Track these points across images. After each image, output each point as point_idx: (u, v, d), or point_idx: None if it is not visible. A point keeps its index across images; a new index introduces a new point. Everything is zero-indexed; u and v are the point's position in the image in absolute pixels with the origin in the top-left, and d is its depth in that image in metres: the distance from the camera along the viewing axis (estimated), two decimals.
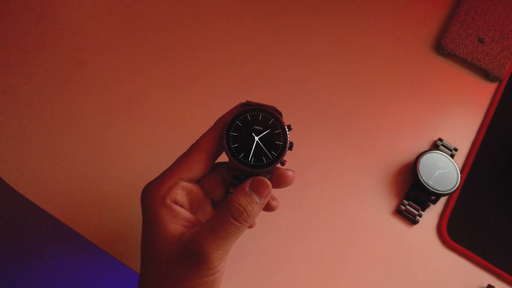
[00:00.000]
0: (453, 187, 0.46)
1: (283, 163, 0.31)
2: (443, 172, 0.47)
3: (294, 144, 0.32)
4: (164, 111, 0.51)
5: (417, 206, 0.47)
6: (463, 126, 0.53)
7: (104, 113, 0.50)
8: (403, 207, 0.47)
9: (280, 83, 0.54)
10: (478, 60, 0.55)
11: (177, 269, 0.29)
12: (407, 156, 0.50)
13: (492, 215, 0.47)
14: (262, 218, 0.44)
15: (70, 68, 0.52)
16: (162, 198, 0.30)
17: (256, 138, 0.31)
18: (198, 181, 0.33)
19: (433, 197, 0.47)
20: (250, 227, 0.32)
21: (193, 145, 0.32)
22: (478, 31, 0.56)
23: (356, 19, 0.59)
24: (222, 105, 0.51)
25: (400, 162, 0.50)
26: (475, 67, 0.56)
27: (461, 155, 0.51)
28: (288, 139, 0.32)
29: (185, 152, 0.32)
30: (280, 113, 0.32)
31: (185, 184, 0.31)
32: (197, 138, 0.33)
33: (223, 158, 0.32)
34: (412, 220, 0.47)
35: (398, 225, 0.47)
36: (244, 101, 0.33)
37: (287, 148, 0.31)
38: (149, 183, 0.32)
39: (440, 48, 0.56)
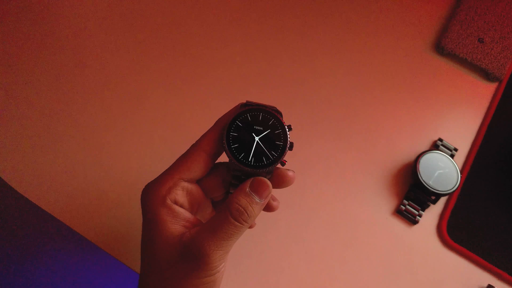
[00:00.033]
0: (453, 187, 0.46)
1: (283, 163, 0.31)
2: (443, 172, 0.47)
3: (294, 144, 0.32)
4: (164, 111, 0.51)
5: (417, 206, 0.47)
6: (463, 126, 0.53)
7: (104, 113, 0.50)
8: (403, 207, 0.47)
9: (280, 83, 0.54)
10: (478, 60, 0.55)
11: (177, 270, 0.29)
12: (407, 156, 0.50)
13: (492, 215, 0.47)
14: (262, 218, 0.44)
15: (70, 68, 0.52)
16: (162, 198, 0.30)
17: (257, 138, 0.31)
18: (198, 182, 0.33)
19: (433, 197, 0.47)
20: (250, 227, 0.32)
21: (193, 145, 0.32)
22: (478, 31, 0.56)
23: (356, 19, 0.59)
24: (222, 105, 0.51)
25: (400, 162, 0.50)
26: (475, 67, 0.56)
27: (461, 155, 0.51)
28: (289, 139, 0.32)
29: (185, 152, 0.32)
30: (280, 113, 0.32)
31: (185, 184, 0.31)
32: (197, 138, 0.32)
33: (224, 158, 0.32)
34: (412, 220, 0.47)
35: (398, 225, 0.47)
36: (245, 101, 0.32)
37: (287, 148, 0.31)
38: (149, 183, 0.31)
39: (440, 48, 0.56)
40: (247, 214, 0.29)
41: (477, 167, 0.50)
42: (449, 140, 0.51)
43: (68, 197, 0.46)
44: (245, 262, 0.44)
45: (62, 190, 0.46)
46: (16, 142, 0.48)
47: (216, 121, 0.33)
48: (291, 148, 0.32)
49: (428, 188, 0.46)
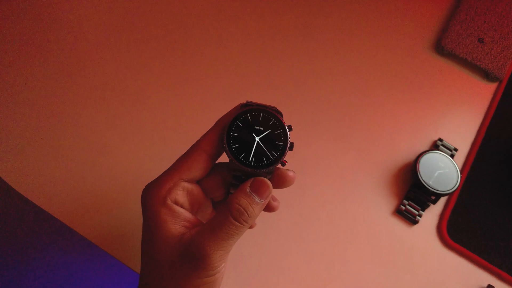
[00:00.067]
0: (453, 187, 0.46)
1: (283, 164, 0.31)
2: (443, 172, 0.47)
3: (294, 144, 0.32)
4: (164, 111, 0.51)
5: (417, 206, 0.47)
6: (463, 126, 0.53)
7: (104, 113, 0.50)
8: (403, 207, 0.47)
9: (280, 83, 0.54)
10: (478, 60, 0.55)
11: (177, 270, 0.29)
12: (407, 156, 0.50)
13: (492, 215, 0.48)
14: (262, 218, 0.44)
15: (70, 68, 0.52)
16: (163, 199, 0.30)
17: (257, 139, 0.31)
18: (198, 182, 0.33)
19: (433, 197, 0.47)
20: (250, 227, 0.32)
21: (193, 145, 0.32)
22: (478, 31, 0.56)
23: (356, 19, 0.59)
24: (222, 105, 0.51)
25: (400, 162, 0.50)
26: (475, 67, 0.56)
27: (461, 155, 0.51)
28: (289, 139, 0.32)
29: (186, 152, 0.32)
30: (280, 114, 0.32)
31: (186, 184, 0.31)
32: (197, 138, 0.32)
33: (224, 158, 0.32)
34: (412, 220, 0.47)
35: (398, 225, 0.47)
36: (245, 102, 0.32)
37: (287, 149, 0.31)
38: (149, 184, 0.31)
39: (440, 48, 0.56)
40: (248, 214, 0.29)
41: (477, 167, 0.50)
42: (449, 140, 0.51)
43: (68, 197, 0.46)
44: (245, 262, 0.44)
45: (62, 190, 0.46)
46: (16, 142, 0.48)
47: (217, 121, 0.33)
48: (291, 148, 0.32)
49: (428, 188, 0.46)
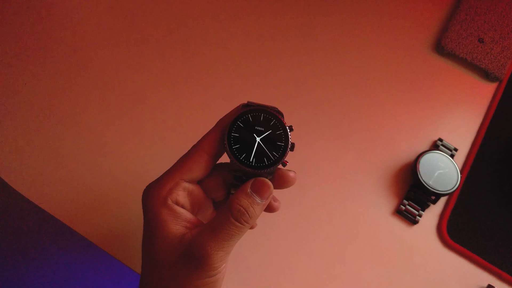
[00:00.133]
0: (453, 187, 0.46)
1: (284, 164, 0.31)
2: (443, 172, 0.47)
3: (295, 144, 0.32)
4: (164, 111, 0.51)
5: (417, 206, 0.47)
6: (463, 126, 0.53)
7: (104, 113, 0.50)
8: (403, 207, 0.47)
9: (280, 83, 0.54)
10: (478, 60, 0.55)
11: (178, 270, 0.29)
12: (407, 156, 0.50)
13: (492, 215, 0.48)
14: (262, 218, 0.44)
15: (70, 68, 0.52)
16: (163, 199, 0.30)
17: (258, 139, 0.31)
18: (199, 182, 0.33)
19: (433, 197, 0.47)
20: (251, 228, 0.32)
21: (194, 146, 0.32)
22: (478, 31, 0.56)
23: (356, 19, 0.59)
24: (222, 105, 0.51)
25: (400, 162, 0.50)
26: (475, 67, 0.56)
27: (461, 155, 0.51)
28: (290, 140, 0.32)
29: (186, 153, 0.32)
30: (281, 114, 0.32)
31: (186, 185, 0.31)
32: (198, 139, 0.32)
33: (225, 159, 0.32)
34: (412, 220, 0.47)
35: (398, 225, 0.47)
36: (246, 102, 0.32)
37: (288, 149, 0.31)
38: (150, 184, 0.31)
39: (440, 48, 0.56)
40: (248, 215, 0.29)
41: (477, 167, 0.50)
42: (449, 140, 0.51)
43: (68, 197, 0.46)
44: (246, 262, 0.44)
45: (62, 190, 0.46)
46: (16, 142, 0.48)
47: (217, 122, 0.33)
48: (292, 148, 0.32)
49: (428, 188, 0.46)
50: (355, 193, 0.48)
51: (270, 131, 0.31)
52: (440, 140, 0.51)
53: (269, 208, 0.34)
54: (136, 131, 0.49)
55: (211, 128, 0.33)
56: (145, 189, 0.31)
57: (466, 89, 0.55)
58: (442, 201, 0.48)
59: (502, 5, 0.58)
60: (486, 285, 0.44)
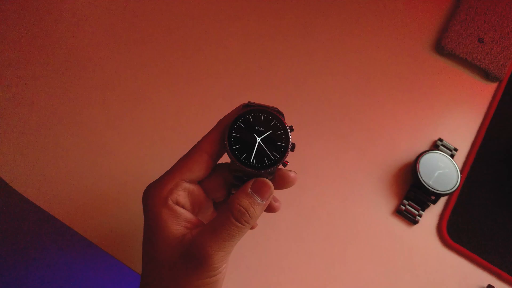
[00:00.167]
0: (453, 187, 0.46)
1: (285, 164, 0.31)
2: (443, 172, 0.47)
3: (295, 144, 0.32)
4: (165, 111, 0.51)
5: (417, 206, 0.47)
6: (463, 126, 0.53)
7: (104, 113, 0.50)
8: (403, 207, 0.47)
9: (280, 83, 0.54)
10: (478, 60, 0.55)
11: (178, 270, 0.29)
12: (407, 156, 0.51)
13: (492, 215, 0.48)
14: (262, 218, 0.44)
15: (70, 68, 0.52)
16: (164, 199, 0.30)
17: (258, 139, 0.31)
18: (199, 182, 0.33)
19: (433, 197, 0.47)
20: (251, 228, 0.32)
21: (195, 146, 0.32)
22: (478, 31, 0.56)
23: (356, 19, 0.59)
24: (223, 105, 0.51)
25: (400, 162, 0.50)
26: (475, 67, 0.56)
27: (461, 155, 0.51)
28: (290, 140, 0.32)
29: (187, 153, 0.32)
30: (282, 114, 0.32)
31: (187, 185, 0.31)
32: (199, 139, 0.32)
33: (225, 159, 0.32)
34: (412, 220, 0.47)
35: (398, 225, 0.47)
36: (246, 102, 0.32)
37: (289, 149, 0.31)
38: (150, 184, 0.31)
39: (440, 48, 0.56)
40: (249, 215, 0.29)
41: (477, 167, 0.50)
42: (449, 140, 0.51)
43: (68, 197, 0.46)
44: (246, 262, 0.44)
45: (62, 190, 0.46)
46: (16, 142, 0.48)
47: (218, 122, 0.33)
48: (292, 149, 0.32)
49: (428, 188, 0.46)
50: (355, 193, 0.48)
51: (271, 131, 0.31)
52: (440, 140, 0.51)
53: (270, 209, 0.34)
54: (136, 131, 0.49)
55: (211, 128, 0.33)
56: (145, 189, 0.31)
57: (466, 89, 0.55)
58: (442, 201, 0.48)
59: (502, 5, 0.58)
60: (486, 285, 0.44)
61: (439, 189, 0.46)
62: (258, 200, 0.30)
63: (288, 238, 0.45)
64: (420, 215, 0.47)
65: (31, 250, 0.99)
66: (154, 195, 0.30)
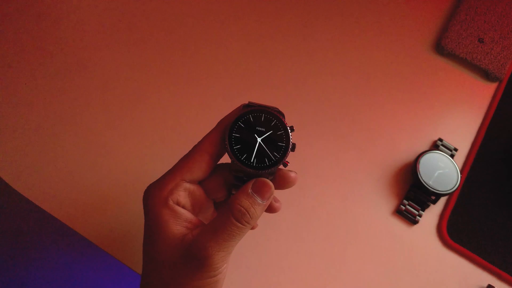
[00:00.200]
0: (453, 187, 0.46)
1: (285, 165, 0.31)
2: (443, 172, 0.47)
3: (296, 145, 0.32)
4: (165, 111, 0.51)
5: (417, 206, 0.47)
6: (463, 126, 0.53)
7: (104, 113, 0.50)
8: (403, 207, 0.47)
9: (280, 83, 0.54)
10: (478, 60, 0.55)
11: (179, 271, 0.29)
12: (407, 156, 0.51)
13: (492, 215, 0.48)
14: (262, 218, 0.44)
15: (70, 68, 0.52)
16: (164, 199, 0.30)
17: (259, 139, 0.31)
18: (200, 183, 0.33)
19: (433, 197, 0.47)
20: (252, 228, 0.32)
21: (195, 146, 0.32)
22: (478, 31, 0.56)
23: (356, 19, 0.59)
24: (223, 105, 0.51)
25: (400, 162, 0.50)
26: (475, 67, 0.56)
27: (461, 155, 0.51)
28: (291, 140, 0.32)
29: (187, 153, 0.32)
30: (282, 114, 0.32)
31: (187, 185, 0.31)
32: (199, 139, 0.32)
33: (226, 159, 0.32)
34: (412, 220, 0.47)
35: (398, 225, 0.47)
36: (247, 102, 0.32)
37: (289, 150, 0.31)
38: (151, 184, 0.31)
39: (440, 48, 0.56)
40: (249, 215, 0.29)
41: (477, 167, 0.50)
42: (449, 140, 0.51)
43: (68, 197, 0.46)
44: (246, 262, 0.44)
45: (62, 190, 0.46)
46: (16, 142, 0.48)
47: (218, 122, 0.33)
48: (293, 149, 0.32)
49: (428, 188, 0.46)
50: (355, 193, 0.48)
51: (271, 131, 0.31)
52: (440, 140, 0.51)
53: (270, 209, 0.34)
54: (136, 131, 0.49)
55: (211, 128, 0.33)
56: (146, 190, 0.31)
57: (466, 89, 0.55)
58: (442, 201, 0.48)
59: (502, 5, 0.58)
60: (486, 285, 0.44)
61: (439, 189, 0.46)
62: (259, 200, 0.30)
63: (288, 238, 0.45)
64: (420, 215, 0.47)
65: (31, 250, 0.99)
66: (154, 195, 0.30)
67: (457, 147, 0.51)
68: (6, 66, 0.51)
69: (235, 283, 0.43)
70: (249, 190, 0.30)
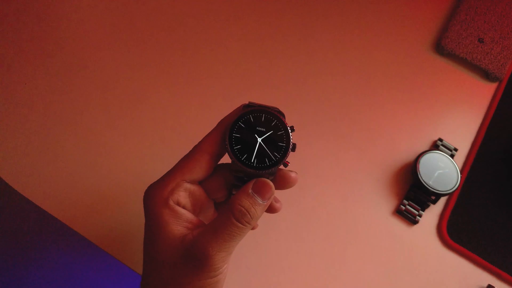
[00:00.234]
0: (453, 187, 0.46)
1: (286, 165, 0.31)
2: (443, 172, 0.47)
3: (296, 145, 0.32)
4: (165, 111, 0.51)
5: (417, 206, 0.47)
6: (463, 126, 0.53)
7: (104, 113, 0.50)
8: (403, 207, 0.47)
9: (280, 83, 0.54)
10: (478, 60, 0.55)
11: (179, 271, 0.29)
12: (407, 156, 0.51)
13: (492, 215, 0.48)
14: (262, 218, 0.44)
15: (70, 68, 0.52)
16: (165, 200, 0.30)
17: (259, 140, 0.31)
18: (200, 183, 0.33)
19: (433, 197, 0.47)
20: (252, 228, 0.32)
21: (195, 146, 0.32)
22: (478, 31, 0.56)
23: (356, 19, 0.59)
24: (223, 105, 0.51)
25: (400, 162, 0.50)
26: (475, 67, 0.56)
27: (461, 155, 0.51)
28: (291, 140, 0.32)
29: (188, 153, 0.32)
30: (283, 115, 0.32)
31: (188, 185, 0.31)
32: (200, 139, 0.32)
33: (226, 159, 0.32)
34: (412, 220, 0.47)
35: (398, 225, 0.47)
36: (247, 102, 0.32)
37: (290, 150, 0.31)
38: (151, 185, 0.31)
39: (440, 48, 0.56)
40: (250, 216, 0.29)
41: (477, 167, 0.50)
42: (449, 140, 0.51)
43: (68, 197, 0.46)
44: (246, 262, 0.44)
45: (63, 190, 0.46)
46: (16, 143, 0.48)
47: (219, 122, 0.33)
48: (293, 149, 0.32)
49: (428, 188, 0.46)
50: (355, 193, 0.48)
51: (272, 131, 0.31)
52: (440, 140, 0.51)
53: (271, 209, 0.34)
54: (136, 131, 0.49)
55: (211, 128, 0.33)
56: (146, 190, 0.31)
57: (466, 89, 0.55)
58: (442, 201, 0.48)
59: (502, 5, 0.58)
60: (486, 285, 0.44)
61: (439, 189, 0.46)
62: (259, 200, 0.30)
63: (288, 238, 0.45)
64: (420, 215, 0.47)
65: (31, 250, 0.99)
66: (155, 196, 0.30)
67: (457, 147, 0.51)
68: (6, 66, 0.51)
69: (235, 283, 0.43)
70: (250, 190, 0.30)
